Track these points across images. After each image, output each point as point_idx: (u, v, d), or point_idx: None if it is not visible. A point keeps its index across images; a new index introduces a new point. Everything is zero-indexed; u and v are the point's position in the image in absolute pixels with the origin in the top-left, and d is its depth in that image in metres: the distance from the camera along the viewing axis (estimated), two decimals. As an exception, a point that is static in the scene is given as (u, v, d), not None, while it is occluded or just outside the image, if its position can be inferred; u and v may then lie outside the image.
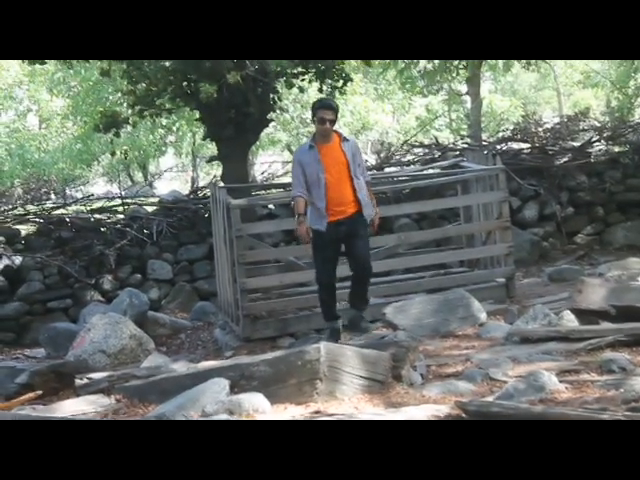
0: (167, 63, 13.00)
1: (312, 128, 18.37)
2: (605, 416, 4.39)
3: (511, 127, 18.80)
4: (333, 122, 8.87)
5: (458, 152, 16.12)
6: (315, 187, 8.81)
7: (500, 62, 23.32)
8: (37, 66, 15.43)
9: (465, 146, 17.27)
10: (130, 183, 31.29)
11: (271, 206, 15.19)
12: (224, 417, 5.54)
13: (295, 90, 16.56)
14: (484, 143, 17.62)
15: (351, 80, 14.46)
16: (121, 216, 15.52)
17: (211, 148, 26.03)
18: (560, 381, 6.03)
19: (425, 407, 5.54)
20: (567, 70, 35.84)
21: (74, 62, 14.44)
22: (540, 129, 17.42)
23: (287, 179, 18.08)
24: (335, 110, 8.92)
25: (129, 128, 19.04)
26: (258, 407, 5.73)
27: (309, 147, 8.95)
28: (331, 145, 8.90)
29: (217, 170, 21.84)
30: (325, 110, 8.79)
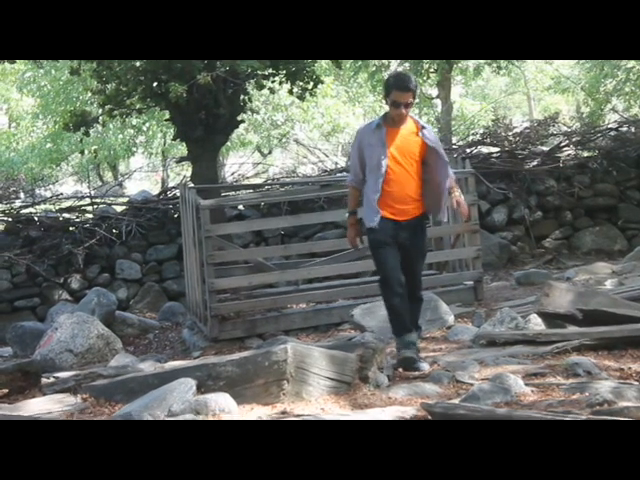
0: (137, 63, 12.95)
1: (282, 130, 18.41)
2: (569, 419, 4.42)
3: (481, 131, 18.81)
4: (410, 105, 7.28)
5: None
6: (373, 174, 7.34)
7: (471, 66, 23.38)
8: (7, 65, 15.30)
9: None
10: (100, 183, 31.13)
11: (241, 207, 15.19)
12: (190, 417, 5.54)
13: (266, 91, 16.55)
14: (454, 146, 17.65)
15: (322, 82, 14.45)
16: (90, 216, 15.44)
17: (181, 149, 25.97)
18: (526, 384, 6.08)
19: (391, 409, 5.57)
20: (537, 75, 35.93)
21: (44, 61, 14.36)
22: (510, 133, 17.45)
23: (257, 180, 18.12)
24: (413, 91, 7.27)
25: (99, 128, 18.99)
26: (224, 407, 5.73)
27: (376, 125, 7.37)
28: (403, 131, 7.36)
29: (187, 171, 21.78)
30: (401, 92, 7.17)
